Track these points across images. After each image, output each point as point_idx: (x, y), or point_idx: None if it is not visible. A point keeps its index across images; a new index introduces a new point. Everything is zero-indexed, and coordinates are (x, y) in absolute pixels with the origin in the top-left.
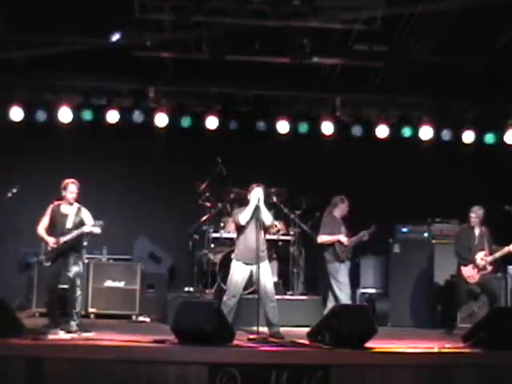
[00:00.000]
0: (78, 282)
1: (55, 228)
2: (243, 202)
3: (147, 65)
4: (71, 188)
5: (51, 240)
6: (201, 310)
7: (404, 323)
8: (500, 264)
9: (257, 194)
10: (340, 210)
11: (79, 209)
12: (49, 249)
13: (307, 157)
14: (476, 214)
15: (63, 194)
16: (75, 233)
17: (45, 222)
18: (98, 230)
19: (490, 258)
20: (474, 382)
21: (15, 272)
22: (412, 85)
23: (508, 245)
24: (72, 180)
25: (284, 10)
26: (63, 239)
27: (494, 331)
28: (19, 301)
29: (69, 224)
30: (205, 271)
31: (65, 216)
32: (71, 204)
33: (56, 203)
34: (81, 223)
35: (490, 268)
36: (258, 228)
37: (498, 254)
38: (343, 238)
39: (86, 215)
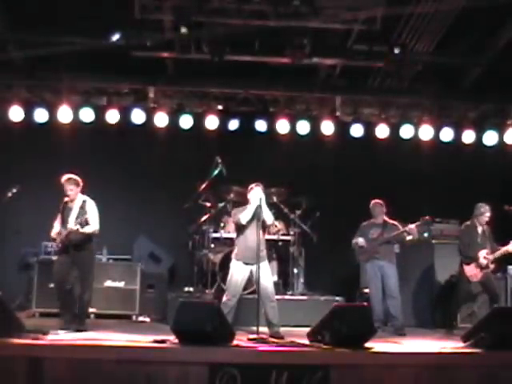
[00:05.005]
0: (86, 279)
1: (63, 223)
2: (243, 202)
3: (147, 65)
4: (65, 186)
5: (54, 231)
6: (201, 310)
7: (404, 323)
8: (502, 264)
9: (257, 194)
10: (375, 217)
11: (84, 202)
12: (55, 244)
13: (307, 157)
14: (489, 213)
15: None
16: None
17: (59, 220)
18: (88, 230)
19: (491, 257)
20: (473, 381)
21: (15, 272)
22: (412, 85)
23: (507, 244)
24: (67, 177)
25: (284, 9)
26: (64, 232)
27: (494, 331)
28: (19, 301)
29: (72, 217)
30: (205, 271)
31: (70, 210)
32: (72, 200)
33: (65, 200)
34: (84, 216)
35: (492, 266)
36: (258, 228)
37: (498, 254)
38: (359, 241)
39: (90, 209)
